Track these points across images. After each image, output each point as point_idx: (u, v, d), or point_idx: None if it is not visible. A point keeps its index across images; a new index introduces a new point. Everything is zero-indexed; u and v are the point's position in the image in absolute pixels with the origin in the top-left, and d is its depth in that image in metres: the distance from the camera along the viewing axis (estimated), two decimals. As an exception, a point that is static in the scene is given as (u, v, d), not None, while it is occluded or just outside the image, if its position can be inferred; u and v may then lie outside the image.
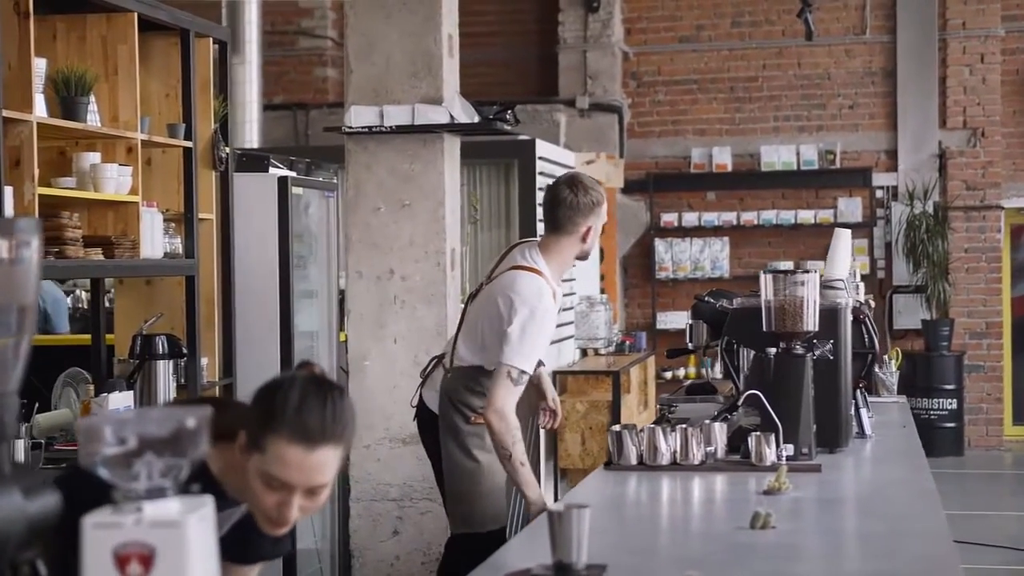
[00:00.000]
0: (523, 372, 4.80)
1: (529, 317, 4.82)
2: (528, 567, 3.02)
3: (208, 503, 1.95)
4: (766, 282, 4.78)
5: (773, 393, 4.68)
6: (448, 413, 5.03)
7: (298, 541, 6.73)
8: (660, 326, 13.73)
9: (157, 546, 1.85)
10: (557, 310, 4.99)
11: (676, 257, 13.79)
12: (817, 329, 4.76)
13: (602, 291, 12.80)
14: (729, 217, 13.68)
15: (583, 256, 5.10)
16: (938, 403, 13.06)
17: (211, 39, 6.19)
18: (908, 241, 13.22)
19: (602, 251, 13.26)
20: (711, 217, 13.72)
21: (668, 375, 13.49)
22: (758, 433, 4.56)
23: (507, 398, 4.78)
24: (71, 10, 5.41)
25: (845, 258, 6.11)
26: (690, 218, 13.74)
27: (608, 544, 3.35)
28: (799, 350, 4.75)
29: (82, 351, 6.12)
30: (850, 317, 5.08)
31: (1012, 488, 12.21)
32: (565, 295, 10.31)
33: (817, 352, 4.84)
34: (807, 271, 4.79)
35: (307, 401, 2.58)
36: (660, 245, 13.79)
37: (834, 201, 13.59)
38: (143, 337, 5.69)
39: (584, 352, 10.79)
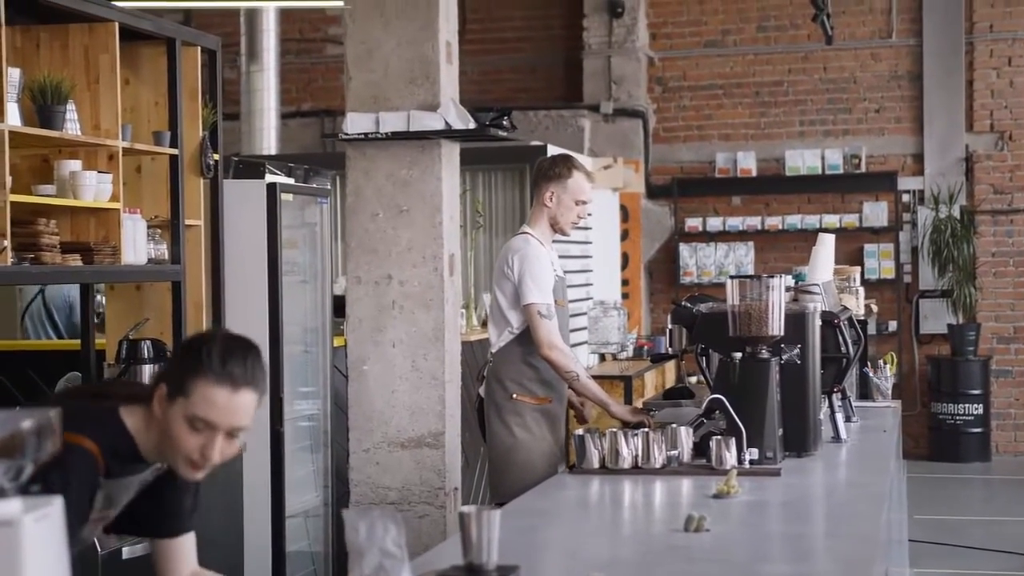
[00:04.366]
0: (548, 305, 5.50)
1: (523, 259, 5.55)
2: (442, 568, 3.06)
3: (55, 503, 2.00)
4: (732, 288, 4.81)
5: (739, 397, 4.70)
6: (492, 391, 5.65)
7: (289, 544, 6.80)
8: (685, 331, 13.67)
9: (-8, 545, 1.90)
10: (552, 268, 5.65)
11: (701, 262, 13.78)
12: (783, 334, 4.78)
13: (624, 296, 12.83)
14: (754, 222, 13.65)
15: (556, 226, 5.71)
16: (964, 408, 12.99)
17: (199, 48, 6.25)
18: (934, 245, 13.15)
19: (626, 256, 13.30)
20: (736, 222, 13.70)
21: (693, 379, 13.46)
22: (719, 437, 4.58)
23: (548, 332, 5.47)
24: (54, 20, 5.49)
25: (827, 263, 6.13)
26: (715, 223, 13.73)
27: (538, 545, 3.39)
28: (764, 355, 4.77)
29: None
30: (819, 322, 5.08)
31: (1038, 494, 12.12)
32: (581, 300, 10.35)
33: (784, 357, 4.86)
34: (772, 276, 4.81)
35: (230, 351, 2.89)
36: (685, 250, 13.78)
37: (860, 205, 13.53)
38: (129, 342, 5.77)
39: (603, 357, 10.82)
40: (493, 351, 5.75)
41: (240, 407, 2.87)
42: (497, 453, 5.66)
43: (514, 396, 5.61)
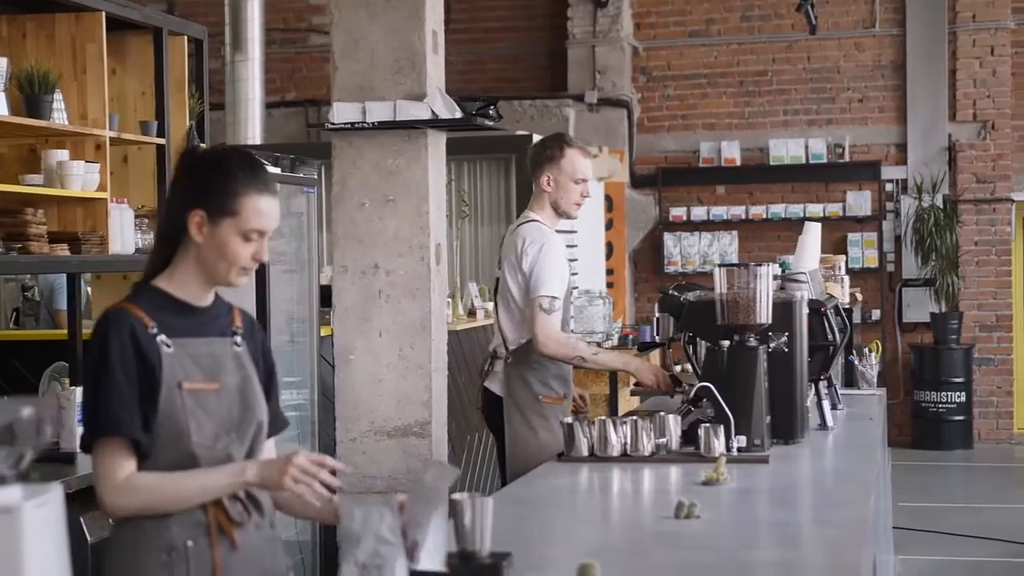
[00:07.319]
0: (553, 299, 5.35)
1: (539, 250, 5.41)
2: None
3: (54, 490, 2.00)
4: (720, 276, 4.82)
5: (726, 385, 4.71)
6: (516, 391, 5.52)
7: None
8: (669, 320, 13.70)
9: (-7, 532, 1.91)
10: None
11: (685, 251, 13.81)
12: (770, 322, 4.79)
13: (609, 285, 12.85)
14: (738, 211, 13.69)
15: (558, 209, 5.58)
16: (947, 396, 13.05)
17: (186, 37, 6.25)
18: (917, 234, 13.21)
19: (611, 245, 13.31)
20: (720, 211, 13.74)
21: (679, 368, 13.47)
22: (707, 424, 4.60)
23: (546, 328, 5.34)
24: (40, 9, 5.49)
25: (814, 251, 6.15)
26: (699, 212, 13.76)
27: (529, 532, 3.40)
28: (752, 342, 4.78)
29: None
30: (806, 310, 5.10)
31: (1020, 481, 12.18)
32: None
33: (772, 345, 4.88)
34: (760, 265, 4.82)
35: (251, 162, 3.11)
36: (669, 239, 13.81)
37: (843, 195, 13.57)
38: (116, 331, 5.75)
39: (587, 346, 10.83)
40: (511, 347, 5.58)
41: (277, 208, 3.12)
42: (520, 453, 5.52)
43: (540, 397, 5.52)
